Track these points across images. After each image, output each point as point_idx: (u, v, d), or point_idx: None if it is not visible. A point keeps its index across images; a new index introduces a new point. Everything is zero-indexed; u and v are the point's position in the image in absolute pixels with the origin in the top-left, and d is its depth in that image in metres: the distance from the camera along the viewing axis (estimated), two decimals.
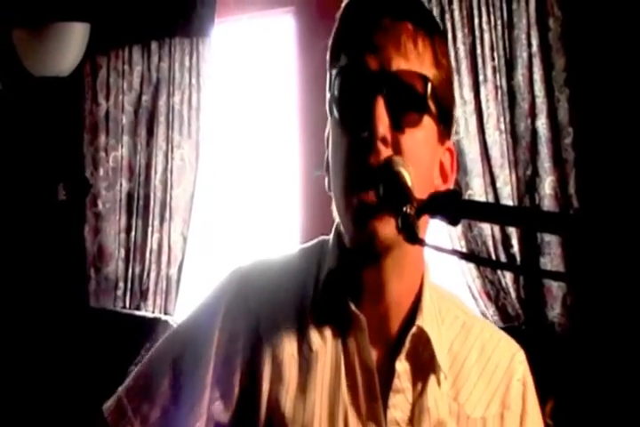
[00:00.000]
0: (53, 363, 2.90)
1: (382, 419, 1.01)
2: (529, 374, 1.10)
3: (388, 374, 1.02)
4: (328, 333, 1.03)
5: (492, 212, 0.97)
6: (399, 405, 1.02)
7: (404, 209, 0.89)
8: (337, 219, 1.09)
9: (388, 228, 0.95)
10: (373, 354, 1.02)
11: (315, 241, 1.15)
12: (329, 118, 1.08)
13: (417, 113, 0.99)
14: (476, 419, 1.04)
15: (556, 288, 2.30)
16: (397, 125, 0.98)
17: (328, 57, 1.08)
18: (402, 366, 1.02)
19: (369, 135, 0.96)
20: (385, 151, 0.96)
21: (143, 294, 2.88)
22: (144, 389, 1.07)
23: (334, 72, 1.05)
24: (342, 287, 1.03)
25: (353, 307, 1.01)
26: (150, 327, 2.82)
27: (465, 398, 1.05)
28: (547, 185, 2.33)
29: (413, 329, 1.02)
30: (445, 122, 1.04)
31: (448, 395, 1.04)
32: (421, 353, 1.03)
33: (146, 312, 2.87)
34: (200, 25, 2.84)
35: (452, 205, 0.90)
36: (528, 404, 1.08)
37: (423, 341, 1.03)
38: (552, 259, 2.30)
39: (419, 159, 0.99)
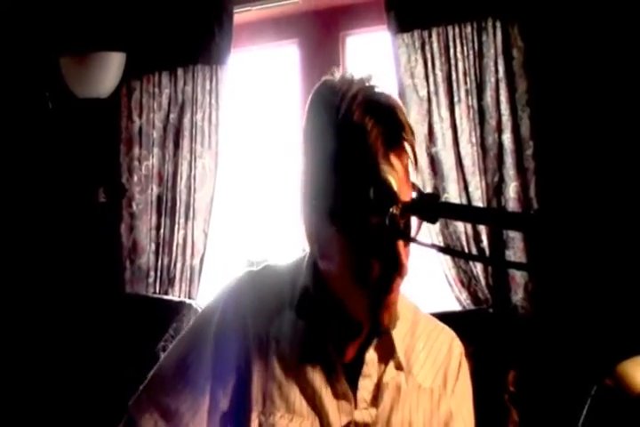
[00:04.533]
0: (95, 339, 2.90)
1: (351, 397, 1.05)
2: (464, 355, 1.16)
3: (359, 362, 1.06)
4: (301, 329, 1.05)
5: (465, 212, 0.97)
6: (366, 386, 1.06)
7: (391, 210, 0.88)
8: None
9: (393, 315, 1.00)
10: (349, 349, 1.06)
11: (296, 256, 1.15)
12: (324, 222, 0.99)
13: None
14: (426, 388, 1.10)
15: (519, 277, 2.29)
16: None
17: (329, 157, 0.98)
18: (370, 356, 1.07)
19: (390, 276, 0.95)
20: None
21: (171, 282, 2.88)
22: (160, 384, 1.11)
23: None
24: (312, 297, 1.05)
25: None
26: (177, 309, 2.81)
27: (417, 372, 1.10)
28: (511, 190, 2.33)
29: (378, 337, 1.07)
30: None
31: (404, 371, 1.09)
32: (384, 345, 1.08)
33: (173, 297, 2.86)
34: (219, 54, 2.84)
35: (431, 207, 0.90)
36: (460, 372, 1.14)
37: (387, 337, 1.07)
38: (515, 252, 2.30)
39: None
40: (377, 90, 0.99)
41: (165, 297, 2.87)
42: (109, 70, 2.81)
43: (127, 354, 2.76)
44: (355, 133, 0.95)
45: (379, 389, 1.06)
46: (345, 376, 1.05)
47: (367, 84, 0.99)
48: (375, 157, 0.94)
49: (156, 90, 2.93)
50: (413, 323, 1.13)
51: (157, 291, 2.90)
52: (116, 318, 2.89)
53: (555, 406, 2.10)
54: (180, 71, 2.90)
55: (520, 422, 2.10)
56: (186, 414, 1.07)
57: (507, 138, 2.33)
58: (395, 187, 0.91)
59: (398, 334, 1.08)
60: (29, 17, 3.11)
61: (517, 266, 2.22)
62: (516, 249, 2.30)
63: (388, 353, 1.07)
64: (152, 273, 2.91)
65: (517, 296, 2.29)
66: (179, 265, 2.87)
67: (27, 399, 2.93)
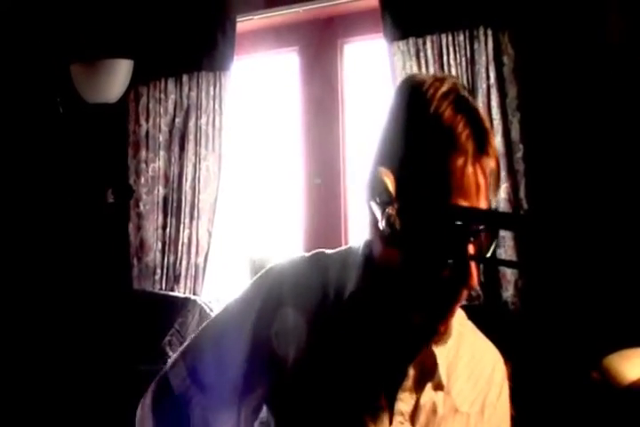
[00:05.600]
0: (104, 333, 2.90)
1: (387, 410, 0.99)
2: (506, 380, 1.08)
3: (399, 375, 0.99)
4: (343, 333, 0.99)
5: (457, 212, 0.96)
6: (405, 399, 0.99)
7: (387, 210, 0.87)
8: (368, 234, 1.00)
9: (450, 327, 0.95)
10: (391, 361, 0.99)
11: (342, 248, 1.08)
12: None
13: None
14: (463, 413, 1.02)
15: (509, 274, 2.29)
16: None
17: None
18: (411, 371, 0.99)
19: (459, 287, 0.89)
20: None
21: (176, 279, 2.88)
22: (196, 352, 1.05)
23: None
24: (361, 303, 0.98)
25: (369, 322, 0.98)
26: (182, 305, 2.81)
27: (456, 395, 1.02)
28: (502, 191, 2.32)
29: (425, 349, 0.99)
30: None
31: (444, 391, 1.01)
32: (426, 363, 1.00)
33: (178, 293, 2.86)
34: (222, 61, 2.83)
35: (426, 207, 0.90)
36: (499, 403, 1.07)
37: (430, 356, 1.00)
38: (506, 250, 2.30)
39: None
40: (465, 93, 0.93)
41: (171, 293, 2.87)
42: (118, 77, 2.81)
43: (135, 348, 2.76)
44: (445, 131, 0.89)
45: (416, 408, 0.99)
46: (385, 388, 0.98)
47: (457, 87, 0.93)
48: (465, 158, 0.88)
49: (163, 95, 2.93)
50: (459, 335, 1.05)
51: (163, 287, 2.89)
52: (125, 314, 2.89)
53: (546, 397, 2.10)
54: (185, 78, 2.90)
55: (514, 416, 2.10)
56: (221, 393, 1.02)
57: (498, 141, 2.33)
58: (391, 189, 0.90)
59: (442, 350, 1.00)
60: (41, 26, 3.11)
61: (508, 264, 2.22)
62: (506, 248, 2.30)
63: (428, 371, 1.00)
64: (158, 270, 2.91)
65: (508, 293, 2.29)
66: (184, 263, 2.86)
67: (36, 393, 2.93)
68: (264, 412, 1.07)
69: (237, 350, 1.02)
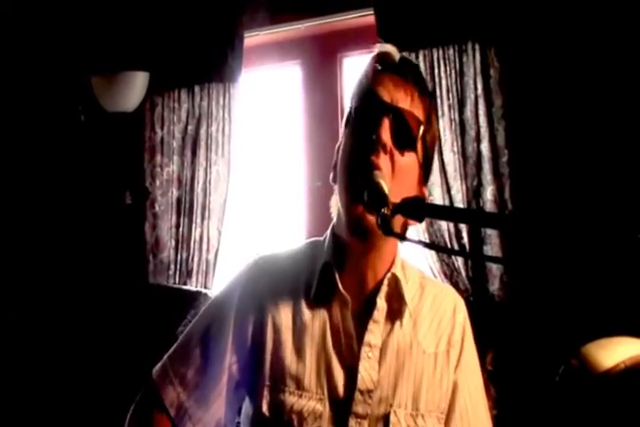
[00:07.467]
0: (122, 324, 2.91)
1: (357, 338, 1.00)
2: (467, 319, 1.10)
3: (366, 315, 1.01)
4: (317, 308, 1.03)
5: (448, 212, 0.97)
6: (374, 332, 1.01)
7: (382, 210, 0.88)
8: (334, 218, 1.08)
9: (361, 213, 0.95)
10: (353, 309, 1.02)
11: (308, 241, 1.13)
12: (343, 130, 1.05)
13: (409, 146, 0.98)
14: (430, 354, 1.04)
15: (495, 269, 2.29)
16: (395, 143, 0.97)
17: (355, 90, 1.05)
18: (381, 302, 1.02)
19: (376, 138, 0.95)
20: (383, 157, 0.95)
21: (188, 274, 2.88)
22: (182, 356, 1.08)
23: (356, 98, 1.02)
24: (333, 270, 1.02)
25: (340, 287, 1.00)
26: (194, 298, 2.82)
27: (422, 337, 1.04)
28: (488, 192, 2.33)
29: (389, 275, 1.03)
30: (426, 168, 1.02)
31: (410, 334, 1.04)
32: (394, 295, 1.03)
33: (190, 287, 2.87)
34: (231, 73, 2.84)
35: (418, 208, 0.91)
36: (465, 342, 1.08)
37: (396, 283, 1.03)
38: (492, 247, 2.30)
39: (405, 178, 0.98)
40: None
41: (184, 287, 2.87)
42: (135, 88, 2.81)
43: (150, 337, 2.77)
44: (377, 62, 1.03)
45: (383, 346, 1.00)
46: (357, 340, 1.00)
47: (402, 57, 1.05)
48: (389, 76, 1.00)
49: (176, 105, 2.94)
50: (421, 285, 1.09)
51: (177, 282, 2.90)
52: (141, 306, 2.90)
53: (527, 382, 2.10)
54: (197, 88, 2.90)
55: (497, 398, 2.10)
56: (205, 385, 1.03)
57: (484, 147, 2.34)
58: (386, 190, 0.91)
59: (408, 294, 1.03)
60: (65, 41, 3.12)
61: (494, 260, 2.22)
62: (492, 245, 2.30)
63: (397, 307, 1.02)
64: (172, 266, 2.91)
65: (494, 286, 2.30)
66: (196, 259, 2.87)
67: (54, 383, 2.93)
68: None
69: (223, 341, 1.04)
